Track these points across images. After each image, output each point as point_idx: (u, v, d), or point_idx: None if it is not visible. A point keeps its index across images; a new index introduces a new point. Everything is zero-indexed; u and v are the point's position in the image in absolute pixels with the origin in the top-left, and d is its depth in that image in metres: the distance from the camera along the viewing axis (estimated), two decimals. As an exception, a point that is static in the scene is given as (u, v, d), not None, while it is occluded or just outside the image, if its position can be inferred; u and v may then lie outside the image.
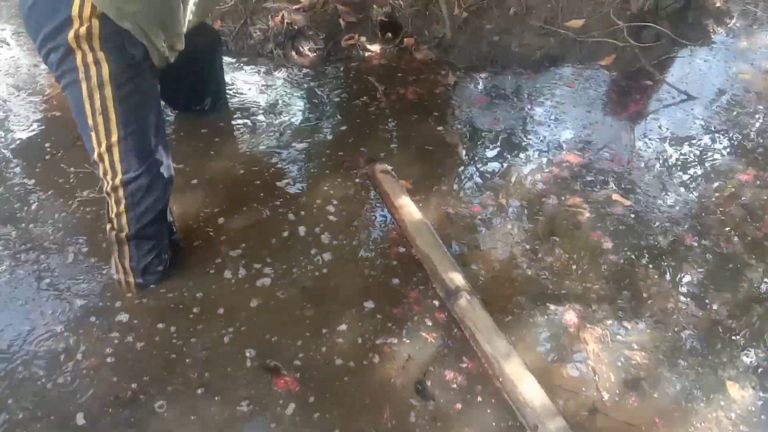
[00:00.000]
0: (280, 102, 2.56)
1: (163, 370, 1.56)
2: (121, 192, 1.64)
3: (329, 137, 2.38)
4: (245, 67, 2.76)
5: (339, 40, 2.86)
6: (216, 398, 1.50)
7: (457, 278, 1.73)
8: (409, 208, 1.97)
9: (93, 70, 1.52)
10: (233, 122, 2.43)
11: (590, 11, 2.83)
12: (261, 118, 2.46)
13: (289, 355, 1.60)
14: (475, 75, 2.77)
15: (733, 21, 3.10)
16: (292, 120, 2.45)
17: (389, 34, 2.88)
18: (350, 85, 2.68)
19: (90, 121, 1.58)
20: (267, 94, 2.61)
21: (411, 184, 2.14)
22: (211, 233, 1.94)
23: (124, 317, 1.68)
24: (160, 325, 1.66)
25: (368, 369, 1.58)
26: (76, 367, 1.55)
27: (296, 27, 2.80)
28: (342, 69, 2.79)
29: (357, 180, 2.16)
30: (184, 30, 1.70)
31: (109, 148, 1.60)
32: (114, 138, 1.58)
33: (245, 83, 2.66)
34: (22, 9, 1.59)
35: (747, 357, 1.64)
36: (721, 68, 2.82)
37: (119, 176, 1.62)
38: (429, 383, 1.55)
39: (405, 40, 2.87)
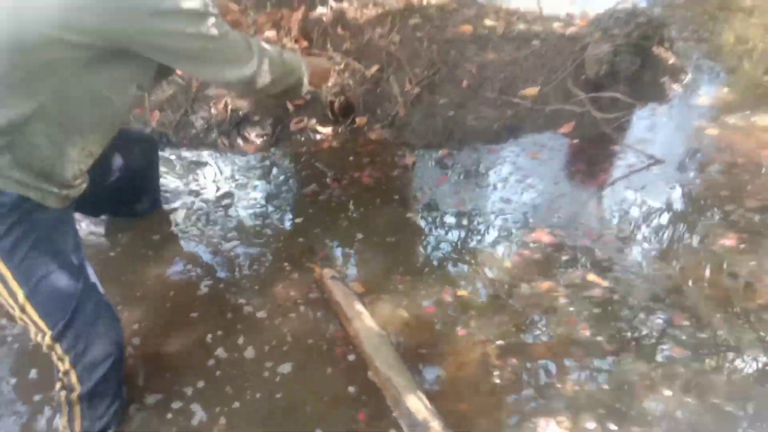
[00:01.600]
0: (225, 197, 2.38)
1: None
2: (58, 349, 1.42)
3: (278, 236, 2.22)
4: (187, 161, 2.59)
5: (287, 123, 2.72)
6: None
7: (422, 411, 1.50)
8: (362, 320, 1.77)
9: None
10: (169, 226, 2.24)
11: (544, 79, 2.74)
12: (201, 218, 2.28)
13: None
14: (434, 153, 2.64)
15: (688, 76, 3.04)
16: (237, 218, 2.28)
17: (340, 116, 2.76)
18: (301, 172, 2.53)
19: (4, 301, 1.36)
20: (210, 188, 2.43)
21: (365, 286, 1.95)
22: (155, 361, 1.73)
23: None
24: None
25: None
26: None
27: (241, 113, 2.67)
28: (292, 155, 2.64)
29: (301, 285, 1.96)
30: (84, 169, 1.48)
31: (22, 309, 1.37)
32: (20, 297, 1.35)
33: (186, 179, 2.49)
34: None
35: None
36: (684, 126, 2.73)
37: (48, 334, 1.39)
38: None
39: (357, 119, 2.74)
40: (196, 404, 1.62)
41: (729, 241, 2.10)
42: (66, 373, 1.43)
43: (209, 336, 1.82)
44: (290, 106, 2.72)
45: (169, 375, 1.70)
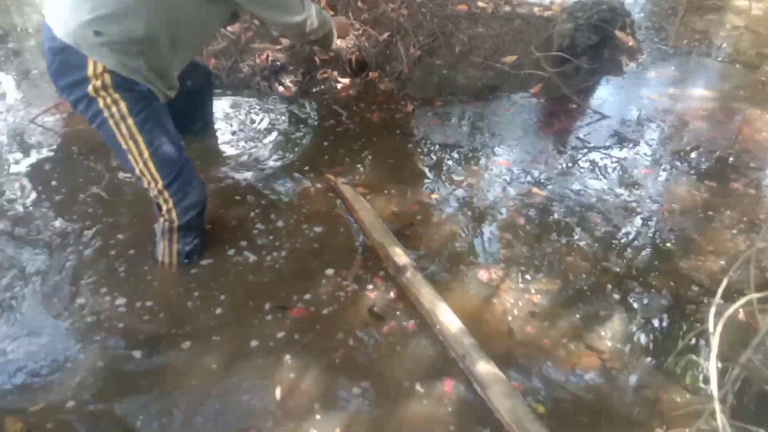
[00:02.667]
0: (264, 125, 3.09)
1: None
2: (166, 194, 2.07)
3: (303, 154, 2.90)
4: (235, 97, 3.30)
5: (315, 74, 3.42)
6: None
7: (403, 258, 2.19)
8: (365, 209, 2.45)
9: (114, 108, 1.93)
10: (220, 144, 2.94)
11: (521, 49, 3.42)
12: (246, 139, 2.98)
13: (288, 299, 2.10)
14: (429, 102, 3.33)
15: (644, 57, 3.70)
16: (273, 140, 2.98)
17: (356, 71, 3.45)
18: (323, 111, 3.23)
19: (124, 147, 1.99)
20: (253, 119, 3.14)
21: (368, 189, 2.63)
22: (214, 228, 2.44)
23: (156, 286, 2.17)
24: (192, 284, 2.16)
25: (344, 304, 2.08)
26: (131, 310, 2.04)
27: (279, 63, 3.37)
28: (318, 98, 3.34)
29: (319, 185, 2.66)
30: (176, 75, 2.16)
31: (145, 163, 2.01)
32: (146, 154, 2.00)
33: (235, 110, 3.20)
34: (49, 72, 1.96)
35: (616, 295, 2.14)
36: (632, 93, 3.41)
37: (160, 182, 2.05)
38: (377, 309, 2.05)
39: (370, 74, 3.44)
40: (248, 252, 2.32)
41: (647, 171, 2.78)
42: (168, 211, 2.12)
43: (251, 213, 2.52)
44: (318, 61, 3.42)
45: (227, 236, 2.39)
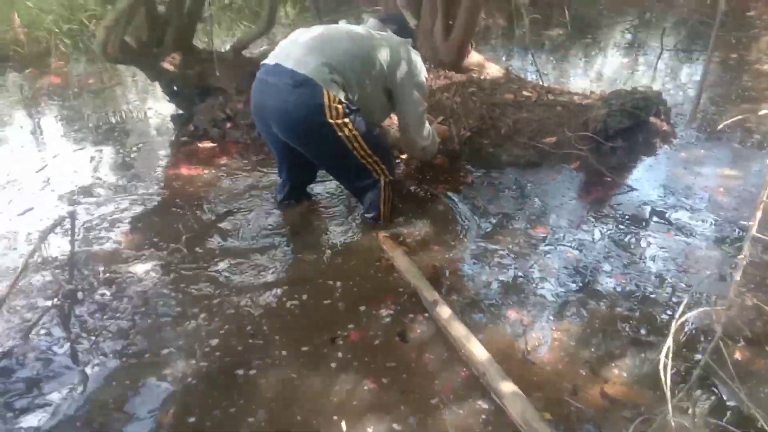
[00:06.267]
0: (335, 197, 3.63)
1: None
2: (382, 165, 3.05)
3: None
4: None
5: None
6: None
7: (435, 295, 2.58)
8: (404, 259, 2.87)
9: (345, 130, 2.80)
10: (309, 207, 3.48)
11: (561, 132, 3.87)
12: (322, 207, 3.51)
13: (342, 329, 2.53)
14: (481, 176, 3.78)
15: (677, 140, 4.08)
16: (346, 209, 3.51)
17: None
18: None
19: (358, 155, 2.91)
20: (328, 192, 3.69)
21: (411, 247, 3.06)
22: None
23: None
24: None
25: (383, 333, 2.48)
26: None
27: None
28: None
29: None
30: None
31: (371, 156, 2.96)
32: (369, 152, 2.94)
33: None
34: (287, 104, 2.75)
35: (629, 337, 2.46)
36: (662, 170, 3.77)
37: (379, 160, 3.03)
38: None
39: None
40: (306, 295, 2.78)
41: (668, 234, 3.11)
42: (383, 172, 3.06)
43: (315, 264, 2.99)
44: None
45: (298, 279, 2.87)
